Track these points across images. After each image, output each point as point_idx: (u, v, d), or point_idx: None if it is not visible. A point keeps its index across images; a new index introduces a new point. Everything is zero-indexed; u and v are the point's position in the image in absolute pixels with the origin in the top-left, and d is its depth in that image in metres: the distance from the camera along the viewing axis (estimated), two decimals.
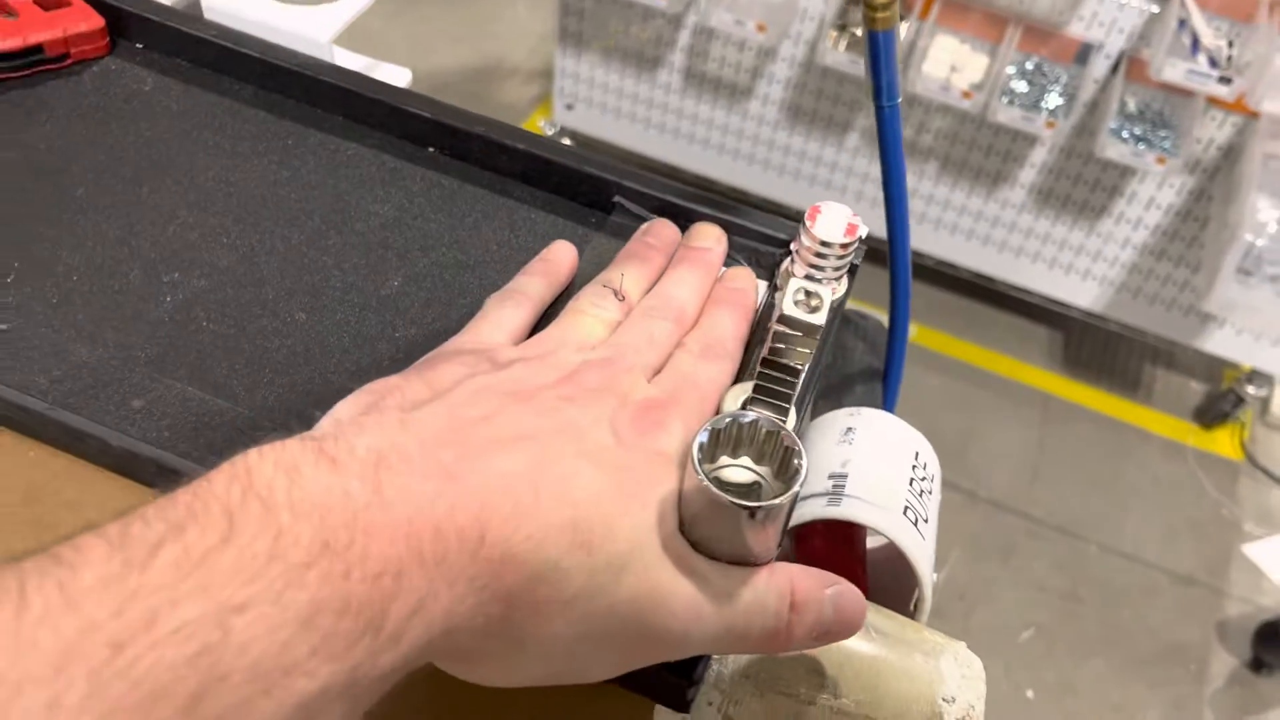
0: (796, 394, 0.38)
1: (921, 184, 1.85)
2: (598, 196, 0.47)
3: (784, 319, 0.35)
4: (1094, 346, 2.04)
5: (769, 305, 0.44)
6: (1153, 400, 1.99)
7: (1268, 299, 1.47)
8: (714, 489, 0.32)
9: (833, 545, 0.45)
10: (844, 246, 0.42)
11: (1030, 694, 1.61)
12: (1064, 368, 2.02)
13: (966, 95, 1.57)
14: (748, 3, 1.67)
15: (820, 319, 0.35)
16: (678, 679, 0.35)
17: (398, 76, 0.60)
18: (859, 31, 1.65)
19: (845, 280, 0.44)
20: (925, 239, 1.92)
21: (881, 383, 0.64)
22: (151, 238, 0.44)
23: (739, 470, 0.36)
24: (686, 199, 0.46)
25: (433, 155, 0.49)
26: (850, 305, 0.59)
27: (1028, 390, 1.97)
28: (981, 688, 0.39)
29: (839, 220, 0.42)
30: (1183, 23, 1.45)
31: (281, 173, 0.47)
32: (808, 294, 0.35)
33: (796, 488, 0.33)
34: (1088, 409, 1.96)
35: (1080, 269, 1.86)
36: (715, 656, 0.37)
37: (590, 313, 0.40)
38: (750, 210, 0.47)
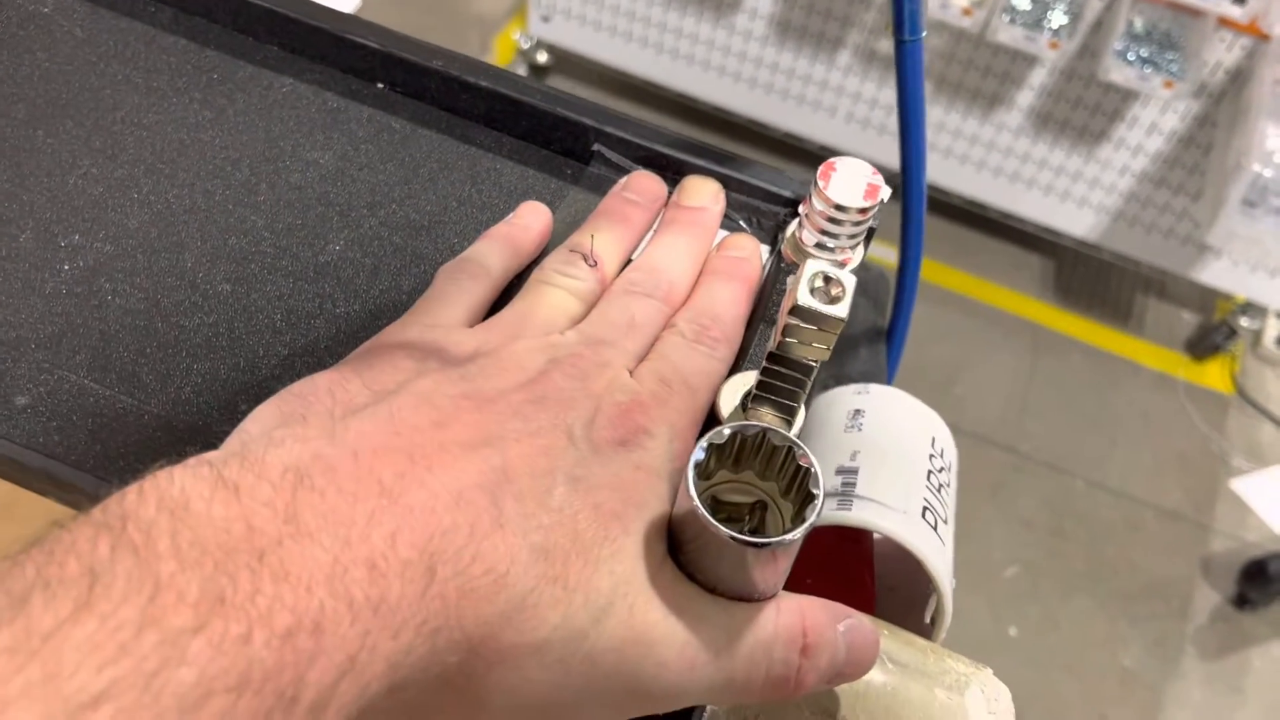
0: (808, 390, 0.32)
1: None
2: (574, 144, 0.41)
3: (798, 310, 0.29)
4: (1086, 275, 1.99)
5: (774, 277, 0.38)
6: (1144, 331, 1.95)
7: (1271, 231, 1.41)
8: (714, 523, 0.26)
9: (838, 548, 0.40)
10: (862, 211, 0.35)
11: (1013, 631, 1.60)
12: (1055, 297, 1.97)
13: (967, 12, 1.49)
14: None
15: (842, 310, 0.29)
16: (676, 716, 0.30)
17: (342, 2, 0.52)
18: None
19: (861, 247, 0.38)
20: None
21: (886, 343, 0.59)
22: (48, 192, 0.37)
23: (741, 488, 0.31)
24: (676, 148, 0.40)
25: (382, 93, 0.42)
26: None
27: (1018, 321, 1.92)
28: None
29: (857, 180, 0.35)
30: None
31: (204, 113, 0.40)
32: (827, 280, 0.29)
33: (813, 519, 0.27)
34: (1078, 340, 1.92)
35: (1076, 196, 1.79)
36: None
37: (557, 283, 0.34)
38: (752, 164, 0.41)
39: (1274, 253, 1.41)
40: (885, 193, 0.36)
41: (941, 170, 1.84)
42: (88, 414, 0.31)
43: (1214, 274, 1.78)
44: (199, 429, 0.32)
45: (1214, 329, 1.88)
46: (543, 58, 2.05)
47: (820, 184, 0.35)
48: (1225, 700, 1.58)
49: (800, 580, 0.40)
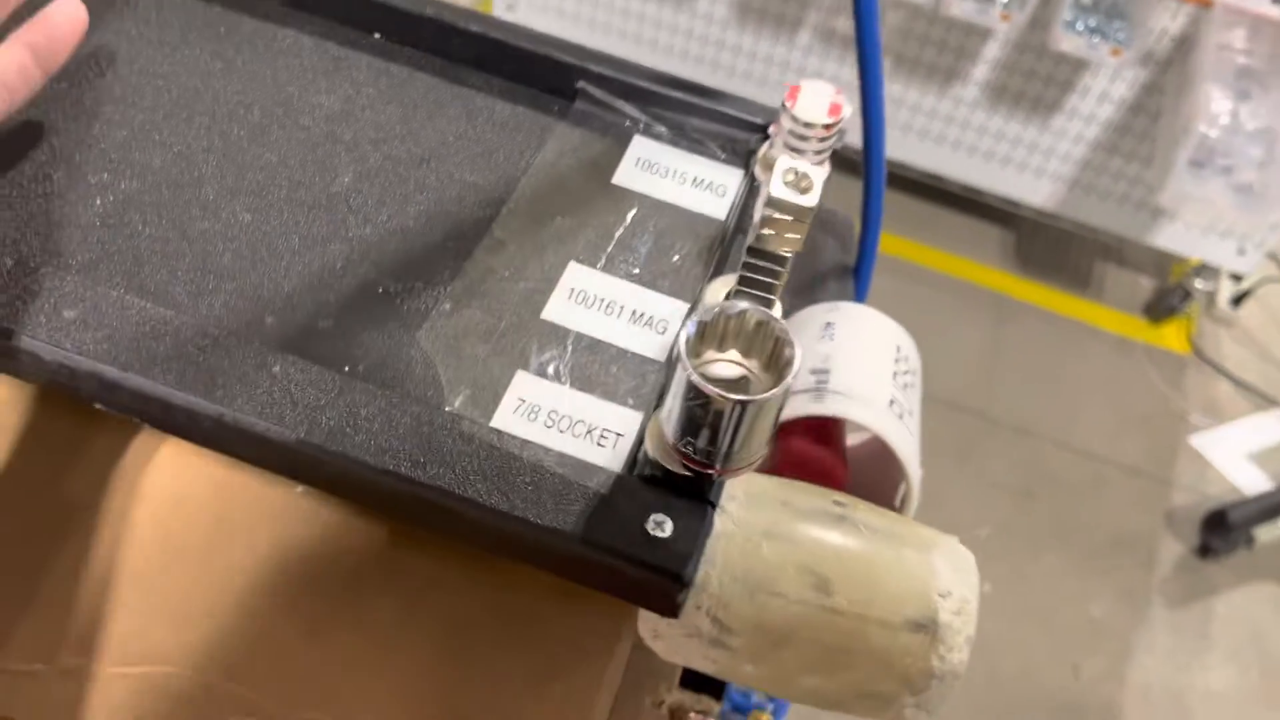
0: (783, 282, 0.36)
1: None
2: (559, 82, 0.44)
3: (772, 202, 0.32)
4: (1046, 245, 2.05)
5: (747, 196, 0.42)
6: (1104, 297, 2.01)
7: (1220, 190, 1.47)
8: (706, 384, 0.30)
9: (813, 442, 0.44)
10: (827, 127, 0.39)
11: (986, 588, 1.64)
12: (1017, 267, 2.02)
13: None
14: None
15: (812, 200, 0.32)
16: (668, 582, 0.33)
17: None
18: None
19: (827, 165, 0.42)
20: None
21: (854, 279, 0.62)
22: (75, 136, 0.40)
23: (726, 365, 0.34)
24: (655, 82, 0.43)
25: (379, 42, 0.45)
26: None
27: (981, 291, 1.98)
28: (974, 581, 0.38)
29: (821, 98, 0.39)
30: None
31: (215, 64, 0.43)
32: (797, 174, 0.33)
33: (789, 379, 0.31)
34: (1040, 308, 1.98)
35: (1033, 166, 1.85)
36: (704, 560, 0.36)
37: None
38: (725, 95, 0.44)
39: (1223, 211, 1.46)
40: (848, 110, 0.39)
41: (901, 145, 1.89)
42: (130, 323, 0.35)
43: (1168, 238, 1.83)
44: (231, 333, 0.35)
45: (1170, 292, 1.94)
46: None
47: (787, 103, 0.39)
48: (1191, 645, 1.64)
49: (778, 475, 0.44)
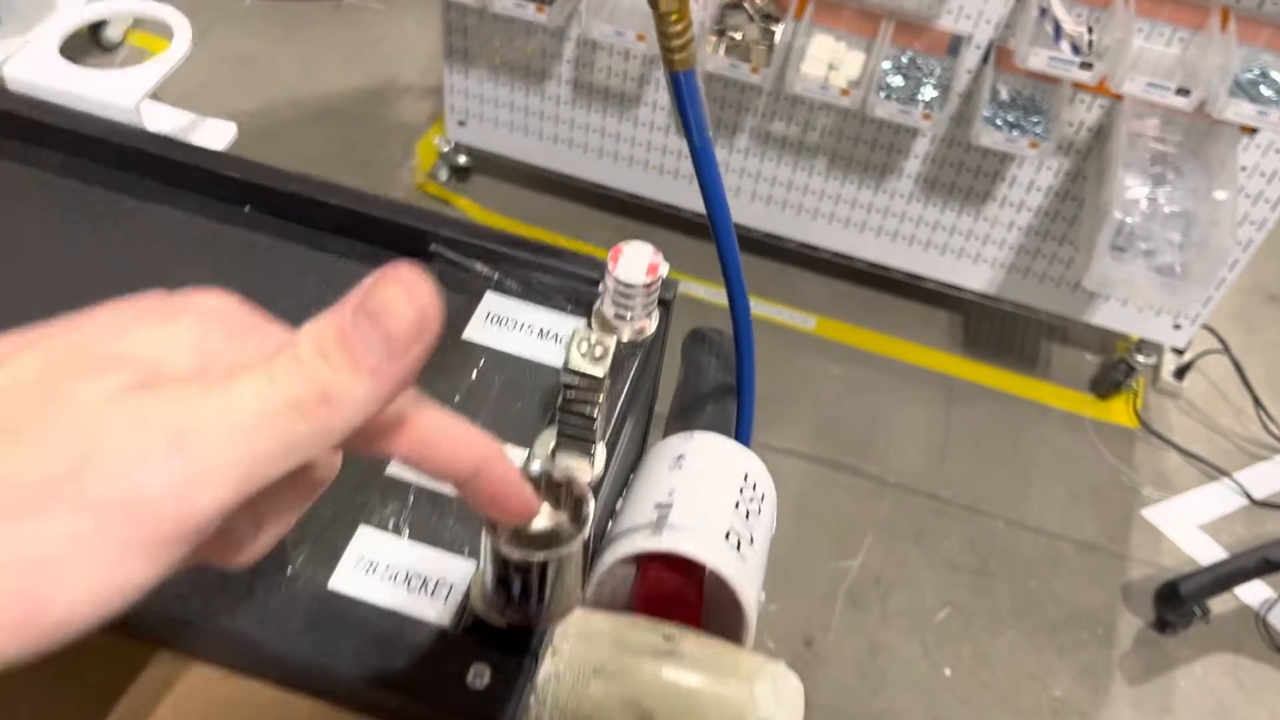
0: (598, 433, 0.39)
1: (812, 180, 1.88)
2: (415, 245, 0.48)
3: (568, 369, 0.36)
4: (991, 326, 2.10)
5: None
6: (1050, 375, 2.05)
7: (1141, 272, 1.52)
8: (505, 546, 0.33)
9: (669, 575, 0.46)
10: (647, 286, 0.43)
11: (948, 671, 1.65)
12: (964, 349, 2.07)
13: (845, 92, 1.60)
14: (626, 14, 1.68)
15: (601, 369, 0.36)
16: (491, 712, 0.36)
17: (220, 133, 0.60)
18: (738, 36, 1.67)
19: (656, 315, 0.45)
20: (819, 232, 1.95)
21: (736, 399, 0.66)
22: None
23: (539, 519, 0.37)
24: (503, 243, 0.47)
25: (250, 214, 0.49)
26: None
27: (930, 374, 2.02)
28: (799, 707, 0.40)
29: (640, 260, 0.43)
30: (1044, 11, 1.50)
31: (91, 241, 0.47)
32: (591, 343, 0.36)
33: (586, 532, 0.34)
34: (989, 388, 2.02)
35: (971, 253, 1.90)
36: (534, 702, 0.38)
37: None
38: (567, 252, 0.48)
39: (1146, 293, 1.51)
40: (664, 269, 0.43)
41: (844, 238, 1.94)
42: None
43: (1105, 315, 1.89)
44: None
45: (1114, 367, 1.99)
46: (462, 159, 2.14)
47: (610, 265, 0.43)
48: None
49: (631, 607, 0.47)
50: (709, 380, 0.66)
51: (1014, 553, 1.80)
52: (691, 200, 1.99)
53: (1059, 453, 1.95)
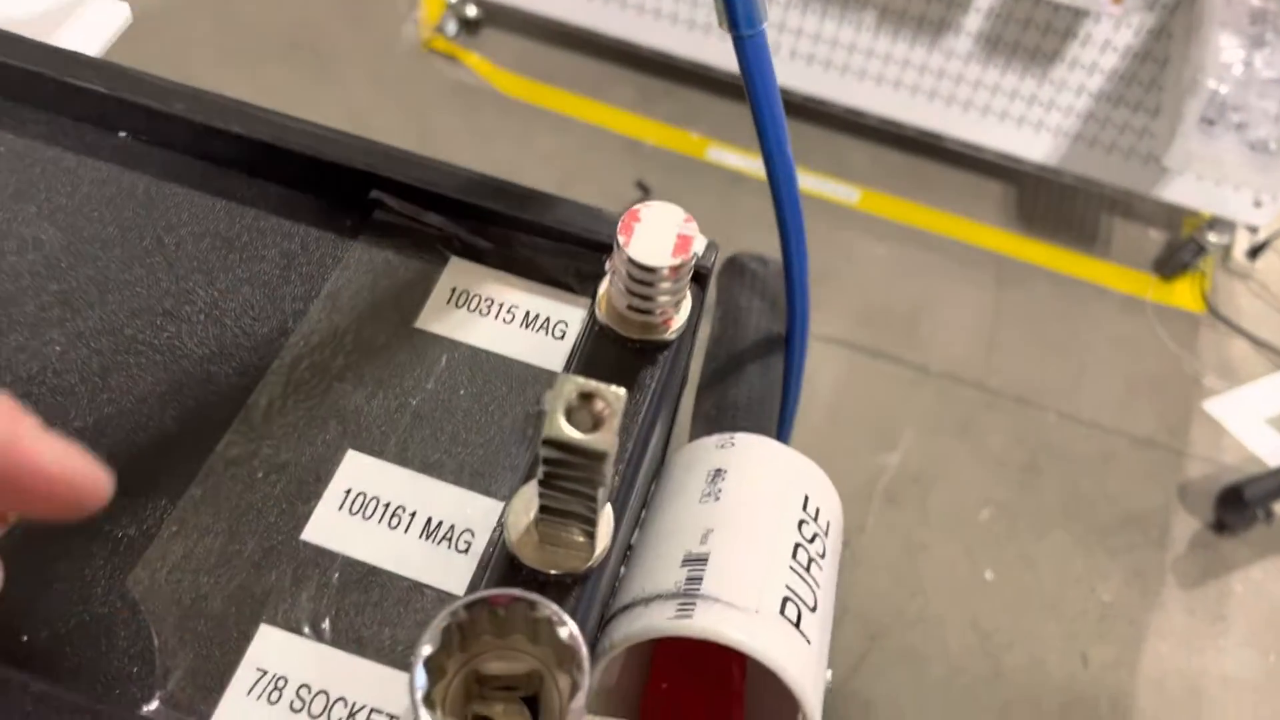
0: (601, 503, 0.27)
1: (860, 36, 1.69)
2: (350, 190, 0.34)
3: (550, 441, 0.23)
4: (1048, 201, 1.92)
5: (586, 345, 0.32)
6: (1110, 254, 1.89)
7: (1232, 148, 1.35)
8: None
9: (700, 645, 0.34)
10: (674, 270, 0.29)
11: (989, 575, 1.56)
12: (1018, 225, 1.90)
13: None
14: None
15: (604, 441, 0.23)
16: None
17: (106, 17, 0.45)
18: None
19: (688, 300, 0.32)
20: (867, 95, 1.77)
21: (784, 353, 0.52)
22: None
23: (510, 655, 0.25)
24: (466, 191, 0.33)
25: (124, 143, 0.35)
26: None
27: (981, 253, 1.86)
28: None
29: (665, 232, 0.29)
30: None
31: None
32: (584, 397, 0.23)
33: (581, 701, 0.22)
34: (1043, 268, 1.86)
35: (1033, 120, 1.72)
36: None
37: None
38: (566, 202, 0.34)
39: (1235, 171, 1.35)
40: (699, 244, 0.29)
41: (894, 102, 1.76)
42: None
43: (1178, 191, 1.71)
44: None
45: (1182, 246, 1.82)
46: (472, 11, 1.96)
47: (621, 240, 0.29)
48: (1207, 628, 1.56)
49: (656, 684, 0.35)
50: (750, 330, 0.53)
51: (1065, 448, 1.68)
52: (724, 58, 1.80)
53: (1116, 339, 1.80)
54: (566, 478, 0.24)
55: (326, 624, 0.28)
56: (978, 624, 1.53)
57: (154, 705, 0.26)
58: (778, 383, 0.51)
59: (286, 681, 0.27)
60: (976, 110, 1.73)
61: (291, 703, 0.27)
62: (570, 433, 0.22)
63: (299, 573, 0.28)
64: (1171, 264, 1.84)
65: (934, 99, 1.74)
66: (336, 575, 0.29)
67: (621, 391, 0.23)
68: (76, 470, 0.23)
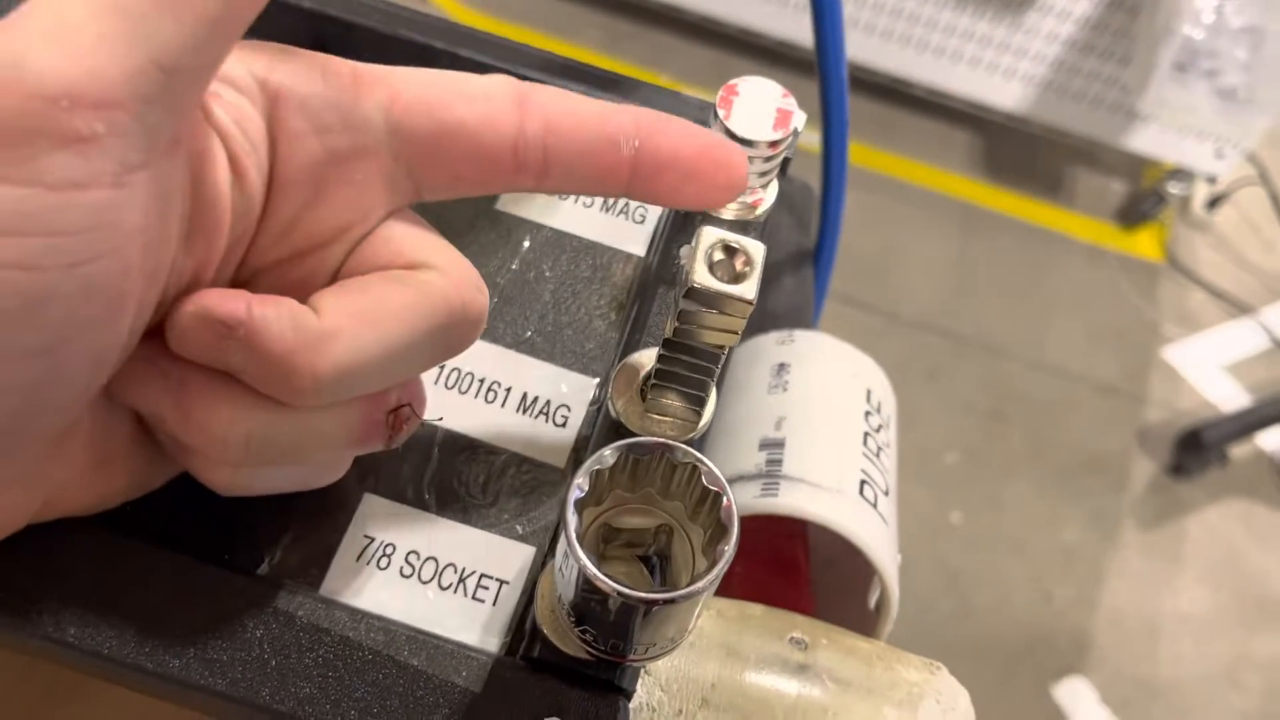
0: (718, 376, 0.27)
1: None
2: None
3: (695, 293, 0.23)
4: (1015, 149, 1.94)
5: (669, 231, 0.32)
6: (1075, 203, 1.92)
7: (1204, 95, 1.37)
8: (602, 578, 0.21)
9: (767, 527, 0.35)
10: (772, 145, 0.29)
11: (956, 517, 1.59)
12: (985, 174, 1.92)
13: None
14: None
15: (749, 289, 0.23)
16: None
17: None
18: None
19: (774, 184, 0.32)
20: None
21: (813, 267, 0.53)
22: None
23: (640, 510, 0.25)
24: (544, 71, 0.33)
25: None
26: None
27: (948, 201, 1.88)
28: None
29: (765, 105, 0.29)
30: None
31: None
32: (730, 250, 0.23)
33: (723, 564, 0.22)
34: (1009, 217, 1.88)
35: (1003, 67, 1.73)
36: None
37: None
38: (639, 86, 0.34)
39: (1206, 117, 1.37)
40: (799, 119, 0.29)
41: (863, 47, 1.76)
42: None
43: (1143, 140, 1.74)
44: None
45: (1143, 196, 1.86)
46: None
47: (720, 113, 0.29)
48: (1164, 568, 1.60)
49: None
50: (783, 243, 0.53)
51: (1030, 395, 1.71)
52: (775, 24, 1.77)
53: (1081, 288, 1.84)
54: (703, 331, 0.24)
55: (430, 494, 0.28)
56: (945, 564, 1.56)
57: (263, 569, 0.26)
58: (811, 296, 0.51)
59: (395, 548, 0.27)
60: (946, 56, 1.74)
61: (401, 568, 0.26)
62: (716, 283, 0.22)
63: (399, 447, 0.28)
64: (1133, 214, 1.87)
65: (904, 44, 1.74)
66: (436, 449, 0.28)
67: (762, 245, 0.23)
68: (710, 144, 0.24)
